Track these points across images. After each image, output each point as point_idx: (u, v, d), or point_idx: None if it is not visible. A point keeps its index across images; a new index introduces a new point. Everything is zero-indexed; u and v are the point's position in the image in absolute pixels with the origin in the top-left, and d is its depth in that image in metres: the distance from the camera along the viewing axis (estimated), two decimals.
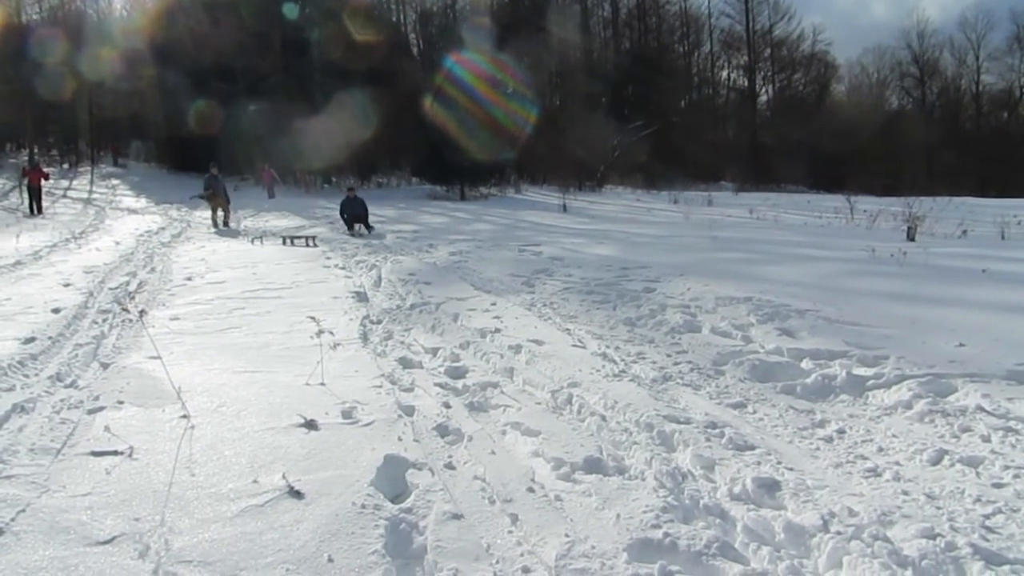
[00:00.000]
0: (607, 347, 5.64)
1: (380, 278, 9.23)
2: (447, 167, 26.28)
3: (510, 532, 2.78)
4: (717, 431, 3.82)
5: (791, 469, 3.37)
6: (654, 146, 36.58)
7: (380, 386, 4.48)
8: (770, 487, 3.14)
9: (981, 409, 4.04)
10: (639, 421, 3.91)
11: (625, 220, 18.02)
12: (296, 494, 2.94)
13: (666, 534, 2.70)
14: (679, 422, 3.91)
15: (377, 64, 28.57)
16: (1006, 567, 2.49)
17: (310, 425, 3.69)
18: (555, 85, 40.79)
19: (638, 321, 6.50)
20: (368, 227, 15.36)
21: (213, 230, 15.81)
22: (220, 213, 16.55)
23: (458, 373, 4.98)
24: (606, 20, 53.26)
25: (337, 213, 16.37)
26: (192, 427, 3.67)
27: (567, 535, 2.72)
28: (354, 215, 15.48)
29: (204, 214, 17.49)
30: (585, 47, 46.12)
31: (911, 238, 12.78)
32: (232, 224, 16.77)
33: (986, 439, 3.66)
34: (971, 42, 56.24)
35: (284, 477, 3.05)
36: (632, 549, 2.63)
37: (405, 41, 40.59)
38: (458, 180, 27.37)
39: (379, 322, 6.63)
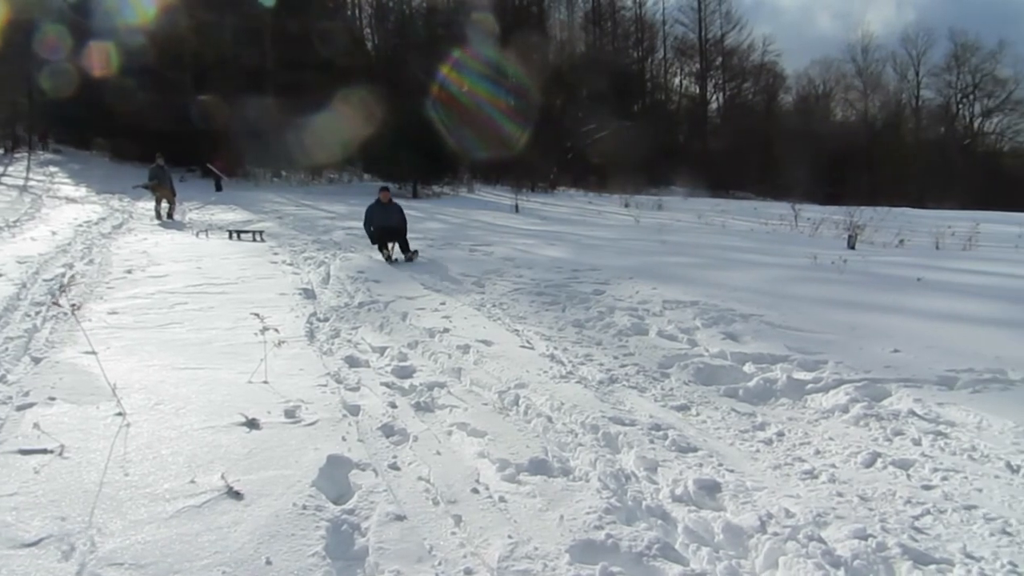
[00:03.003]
0: (555, 348, 5.66)
1: (329, 275, 9.11)
2: (400, 164, 26.05)
3: (453, 533, 2.77)
4: (661, 433, 3.87)
5: (732, 471, 3.43)
6: (607, 149, 36.91)
7: (325, 385, 4.42)
8: (711, 489, 3.19)
9: (913, 413, 4.18)
10: (585, 423, 3.94)
11: (577, 222, 18.13)
12: (235, 495, 2.87)
13: (608, 535, 2.73)
14: (624, 424, 3.95)
15: (330, 58, 28.14)
16: (932, 567, 2.58)
17: (252, 424, 3.62)
18: (510, 86, 40.77)
19: (587, 323, 6.55)
20: (407, 250, 10.62)
21: (157, 222, 15.37)
22: (165, 205, 16.11)
23: (405, 373, 4.94)
24: (562, 23, 53.54)
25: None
26: (128, 425, 3.56)
27: (510, 536, 2.72)
28: (386, 229, 10.67)
29: (147, 205, 16.98)
30: (542, 49, 46.29)
31: (852, 246, 13.16)
32: (177, 216, 16.34)
33: (917, 442, 3.79)
34: (912, 58, 58.24)
35: (223, 477, 2.98)
36: (575, 550, 2.64)
37: (360, 36, 40.11)
38: (411, 178, 27.16)
39: (326, 320, 6.54)
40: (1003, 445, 3.66)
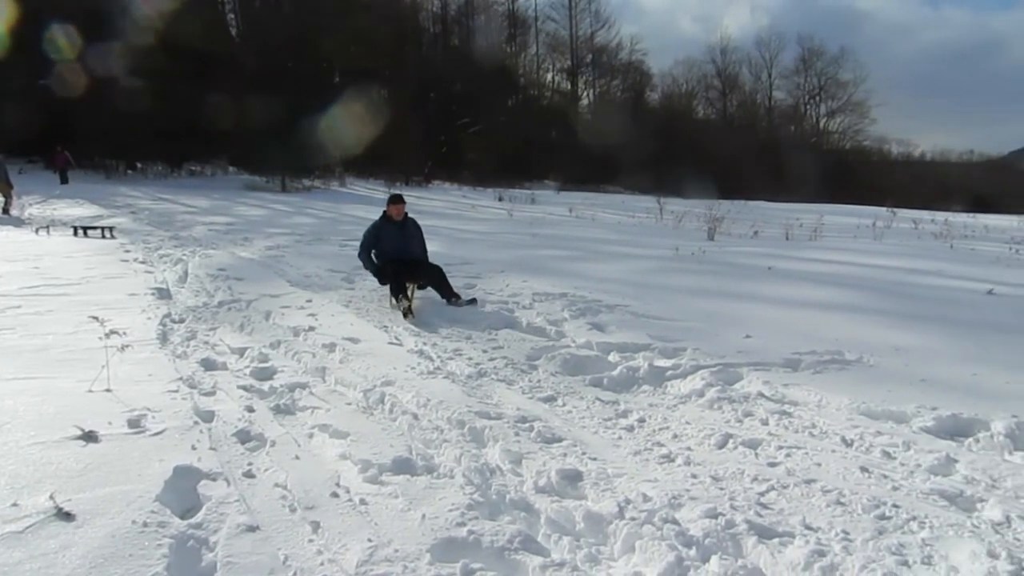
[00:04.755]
0: (424, 344, 5.60)
1: (187, 273, 8.62)
2: (268, 157, 25.02)
3: (311, 541, 2.66)
4: (527, 425, 3.89)
5: (594, 459, 3.50)
6: (481, 144, 37.09)
7: (176, 391, 4.15)
8: (573, 478, 3.24)
9: (762, 395, 4.43)
10: (451, 418, 3.90)
11: (451, 216, 18.10)
12: (65, 516, 2.63)
13: (471, 532, 2.70)
14: (491, 418, 3.95)
15: (192, 43, 26.54)
16: (776, 540, 2.72)
17: (89, 437, 3.33)
18: (383, 79, 40.06)
19: (457, 318, 6.52)
20: (453, 293, 6.97)
21: None
22: (0, 199, 14.73)
23: (266, 374, 4.73)
24: (435, 16, 53.22)
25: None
26: None
27: (370, 540, 2.64)
28: (405, 263, 7.06)
29: None
30: (413, 42, 45.84)
31: (711, 238, 13.88)
32: (14, 212, 14.99)
33: (764, 422, 4.01)
34: (765, 60, 62.41)
35: (52, 497, 2.72)
36: (436, 549, 2.60)
37: (223, 22, 38.17)
38: (279, 171, 26.17)
39: (181, 321, 6.17)
40: (839, 421, 3.94)
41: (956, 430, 3.83)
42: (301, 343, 5.56)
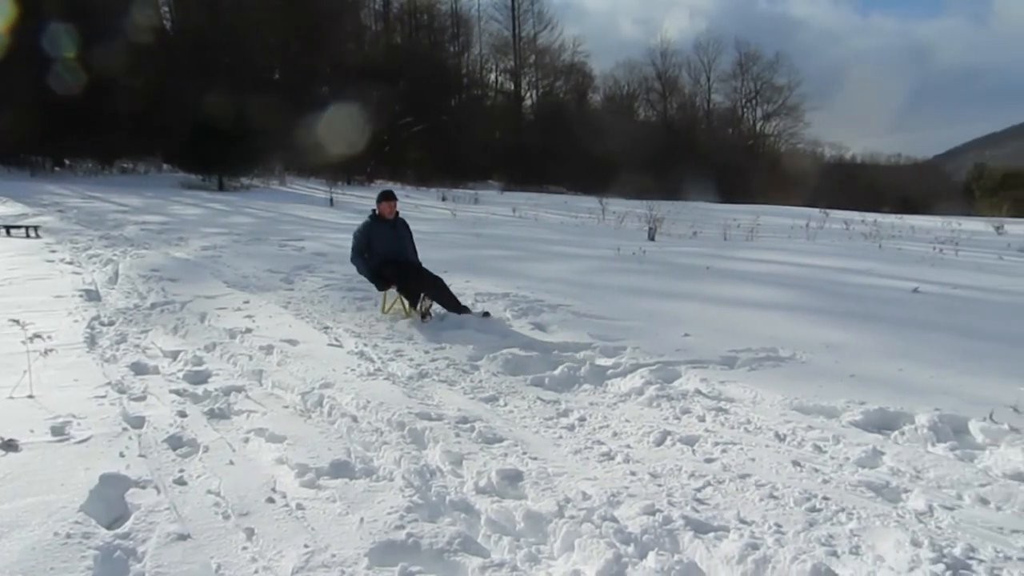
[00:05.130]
0: (365, 345, 5.53)
1: (117, 274, 8.34)
2: (205, 154, 24.30)
3: (244, 548, 2.59)
4: (468, 426, 3.88)
5: (535, 458, 3.51)
6: (424, 143, 36.87)
7: (104, 396, 4.00)
8: (514, 478, 3.24)
9: (699, 392, 4.52)
10: (391, 420, 3.86)
11: None
12: None
13: (409, 534, 2.68)
14: (431, 419, 3.92)
15: (120, 34, 25.56)
16: (711, 534, 2.77)
17: (8, 446, 3.18)
18: (324, 76, 39.42)
19: (398, 318, 6.46)
20: (454, 306, 6.49)
21: None
22: None
23: (200, 378, 4.60)
24: (378, 13, 52.65)
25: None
26: None
27: (307, 545, 2.59)
28: (401, 264, 6.77)
29: None
30: (356, 39, 45.31)
31: (652, 238, 14.09)
32: None
33: (702, 419, 4.09)
34: (704, 64, 63.72)
35: None
36: (374, 553, 2.56)
37: (156, 12, 36.94)
38: (217, 169, 25.46)
39: (111, 324, 5.96)
40: (773, 417, 4.05)
41: (883, 423, 3.98)
42: (237, 345, 5.43)
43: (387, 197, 6.99)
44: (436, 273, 6.84)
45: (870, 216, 24.58)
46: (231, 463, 3.29)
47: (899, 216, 27.14)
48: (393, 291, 6.66)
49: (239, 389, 4.36)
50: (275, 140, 27.38)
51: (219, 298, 7.13)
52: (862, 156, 74.38)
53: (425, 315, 6.22)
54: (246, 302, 6.93)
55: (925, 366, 4.95)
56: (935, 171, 76.20)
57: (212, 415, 3.92)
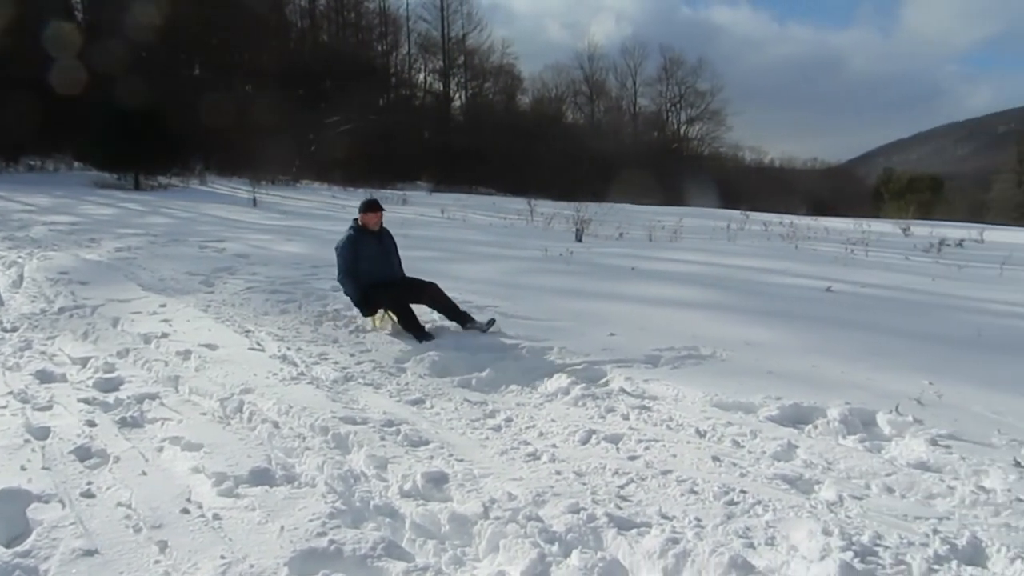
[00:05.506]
0: (288, 348, 5.40)
1: (22, 277, 7.92)
2: (120, 152, 23.25)
3: (157, 562, 2.49)
4: (394, 429, 3.83)
5: (461, 460, 3.49)
6: (352, 143, 36.28)
7: (5, 406, 3.81)
8: (439, 480, 3.22)
9: (624, 391, 4.59)
10: (314, 425, 3.78)
11: (319, 217, 17.60)
12: None
13: (332, 541, 2.62)
14: (356, 423, 3.86)
15: (27, 24, 24.20)
16: (634, 531, 2.82)
17: None
18: (247, 72, 38.36)
19: (323, 320, 6.34)
20: (455, 315, 6.11)
21: None
22: None
23: (111, 385, 4.41)
24: (303, 9, 51.59)
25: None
26: None
27: (223, 556, 2.51)
28: (392, 282, 6.27)
29: None
30: (280, 35, 44.26)
31: (579, 239, 14.25)
32: None
33: (626, 417, 4.15)
34: (630, 68, 64.96)
35: None
36: (295, 562, 2.50)
37: (66, 3, 35.19)
38: (132, 167, 24.41)
39: (14, 329, 5.67)
40: (694, 414, 4.15)
41: (797, 418, 4.13)
42: (153, 351, 5.22)
43: (372, 207, 6.31)
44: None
45: (787, 218, 25.51)
46: (144, 473, 3.16)
47: (814, 218, 28.26)
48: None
49: (153, 396, 4.19)
50: (195, 138, 26.45)
51: (133, 302, 6.84)
52: (780, 160, 77.15)
53: (424, 337, 5.75)
54: (163, 306, 6.68)
55: (838, 362, 5.16)
56: (848, 175, 79.88)
57: (124, 424, 3.76)
